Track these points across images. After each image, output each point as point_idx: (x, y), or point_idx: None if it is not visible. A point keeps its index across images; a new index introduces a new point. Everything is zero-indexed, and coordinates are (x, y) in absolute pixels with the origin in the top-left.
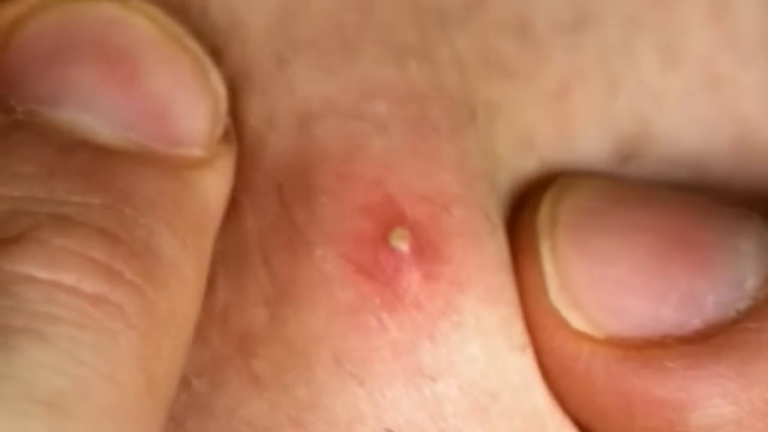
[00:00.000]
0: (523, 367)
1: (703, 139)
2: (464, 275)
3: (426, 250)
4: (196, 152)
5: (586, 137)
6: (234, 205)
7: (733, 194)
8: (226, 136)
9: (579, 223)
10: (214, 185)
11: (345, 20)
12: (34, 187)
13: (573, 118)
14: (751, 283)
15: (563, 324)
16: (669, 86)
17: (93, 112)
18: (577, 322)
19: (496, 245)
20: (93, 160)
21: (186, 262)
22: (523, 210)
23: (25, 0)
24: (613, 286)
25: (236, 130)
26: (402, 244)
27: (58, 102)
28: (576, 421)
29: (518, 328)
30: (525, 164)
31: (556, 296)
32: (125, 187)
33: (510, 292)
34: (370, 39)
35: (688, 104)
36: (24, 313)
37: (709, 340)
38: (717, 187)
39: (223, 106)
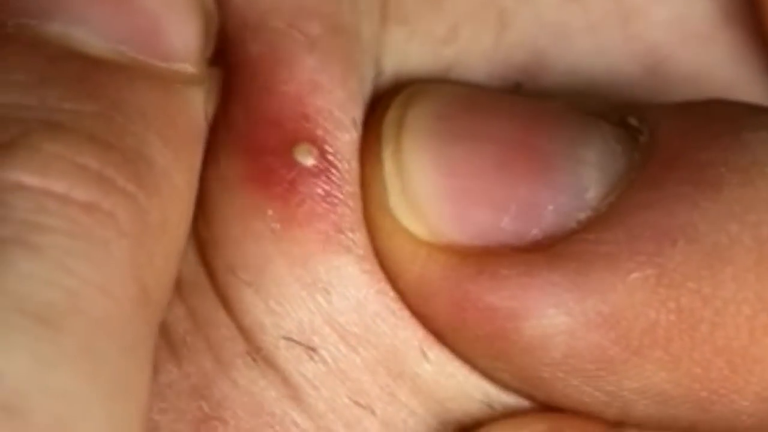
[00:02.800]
0: None
1: (609, 69)
2: (363, 196)
3: (329, 169)
4: (187, 68)
5: (475, 74)
6: None
7: None
8: (214, 59)
9: (425, 129)
10: (201, 103)
11: None
12: (24, 94)
13: (462, 57)
14: (592, 193)
15: (402, 228)
16: (569, 19)
17: (85, 25)
18: (416, 228)
19: None
20: (85, 69)
21: (178, 172)
22: (374, 114)
23: None
24: (454, 194)
25: None
26: (306, 158)
27: (49, 15)
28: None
29: None
30: None
31: (396, 201)
32: (117, 96)
33: None
34: None
35: (593, 35)
36: (13, 222)
37: (546, 250)
38: None
39: (214, 26)
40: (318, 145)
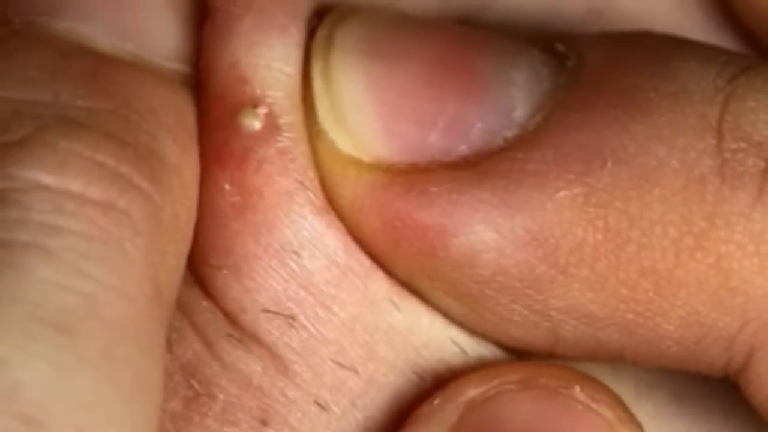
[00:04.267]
0: None
1: (552, 8)
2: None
3: (277, 126)
4: (185, 69)
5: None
6: None
7: None
8: None
9: (353, 48)
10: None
11: None
12: (37, 90)
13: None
14: (520, 112)
15: (332, 148)
16: None
17: (91, 22)
18: (344, 144)
19: None
20: (96, 65)
21: (187, 168)
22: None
23: None
24: (382, 109)
25: None
26: (252, 122)
27: (56, 12)
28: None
29: None
30: None
31: (325, 117)
32: (129, 94)
33: None
34: None
35: None
36: (31, 224)
37: (474, 167)
38: None
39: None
40: (262, 104)
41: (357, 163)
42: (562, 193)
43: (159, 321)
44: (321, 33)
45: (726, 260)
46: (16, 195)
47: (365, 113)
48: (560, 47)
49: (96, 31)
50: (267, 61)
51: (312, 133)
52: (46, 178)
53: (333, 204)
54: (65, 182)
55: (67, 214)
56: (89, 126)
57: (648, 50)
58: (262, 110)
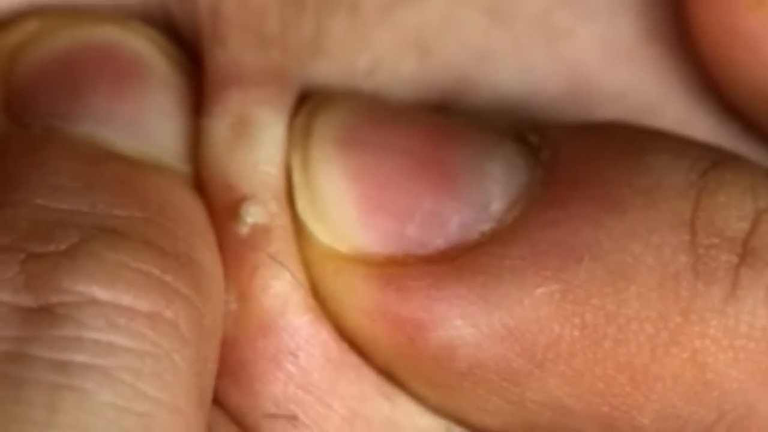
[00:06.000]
0: None
1: (533, 88)
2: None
3: (271, 230)
4: (190, 169)
5: (398, 98)
6: None
7: None
8: None
9: (331, 137)
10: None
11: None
12: (75, 200)
13: (384, 84)
14: (496, 206)
15: (312, 240)
16: (493, 41)
17: (110, 125)
18: (323, 235)
19: None
20: (124, 171)
21: (218, 273)
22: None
23: (22, 28)
24: (360, 200)
25: None
26: (243, 228)
27: (75, 116)
28: None
29: None
30: None
31: (304, 209)
32: (160, 200)
33: None
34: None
35: (518, 56)
36: (87, 343)
37: (452, 261)
38: None
39: None
40: (251, 209)
41: (335, 255)
42: (539, 290)
43: (203, 426)
44: (299, 121)
45: (701, 354)
46: (70, 310)
47: (343, 204)
48: (533, 138)
49: (115, 135)
50: (253, 164)
51: (295, 227)
52: (99, 292)
53: (316, 297)
54: (116, 296)
55: (120, 330)
56: (130, 236)
57: (621, 143)
58: (252, 215)
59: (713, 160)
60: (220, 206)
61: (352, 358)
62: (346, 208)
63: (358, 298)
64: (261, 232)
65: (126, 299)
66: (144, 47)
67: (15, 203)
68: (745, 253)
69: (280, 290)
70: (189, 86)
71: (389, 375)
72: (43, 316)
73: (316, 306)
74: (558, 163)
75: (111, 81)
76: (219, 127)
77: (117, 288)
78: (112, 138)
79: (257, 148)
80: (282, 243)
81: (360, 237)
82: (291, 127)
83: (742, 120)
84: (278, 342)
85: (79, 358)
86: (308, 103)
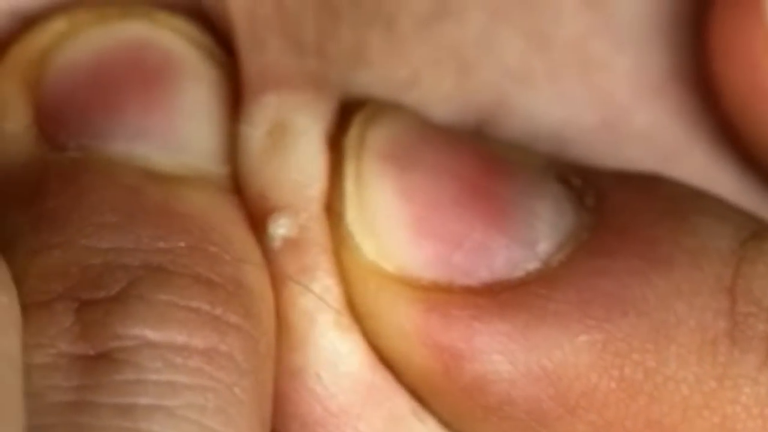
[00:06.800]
0: None
1: (568, 117)
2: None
3: (301, 243)
4: (226, 170)
5: (436, 116)
6: None
7: None
8: None
9: (386, 152)
10: None
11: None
12: (119, 237)
13: (423, 100)
14: (543, 247)
15: (357, 254)
16: (532, 67)
17: (145, 139)
18: (369, 250)
19: None
20: (163, 197)
21: (267, 291)
22: (336, 133)
23: (50, 28)
24: (411, 220)
25: None
26: (275, 240)
27: (110, 134)
28: None
29: None
30: None
31: (353, 220)
32: (202, 223)
33: None
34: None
35: (554, 83)
36: (148, 385)
37: (496, 296)
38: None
39: None
40: (282, 221)
41: (379, 272)
42: (582, 337)
43: None
44: (353, 132)
45: (731, 421)
46: (127, 355)
47: (394, 222)
48: (575, 181)
49: (151, 149)
50: (286, 172)
51: (337, 240)
52: (152, 335)
53: (354, 312)
54: (170, 336)
55: (178, 369)
56: (177, 271)
57: (667, 199)
58: (282, 227)
59: (753, 230)
60: (254, 216)
61: (385, 379)
62: (397, 227)
63: (399, 319)
64: (290, 245)
65: (180, 339)
66: (173, 42)
67: (61, 245)
68: None
69: (307, 307)
70: (222, 76)
71: (415, 395)
72: (103, 362)
73: (345, 324)
74: (604, 212)
75: (142, 90)
76: (256, 136)
77: (169, 329)
78: (148, 154)
79: (291, 155)
80: (311, 257)
81: (408, 257)
82: (344, 136)
83: (763, 174)
84: (303, 360)
85: (143, 400)
86: (362, 114)
